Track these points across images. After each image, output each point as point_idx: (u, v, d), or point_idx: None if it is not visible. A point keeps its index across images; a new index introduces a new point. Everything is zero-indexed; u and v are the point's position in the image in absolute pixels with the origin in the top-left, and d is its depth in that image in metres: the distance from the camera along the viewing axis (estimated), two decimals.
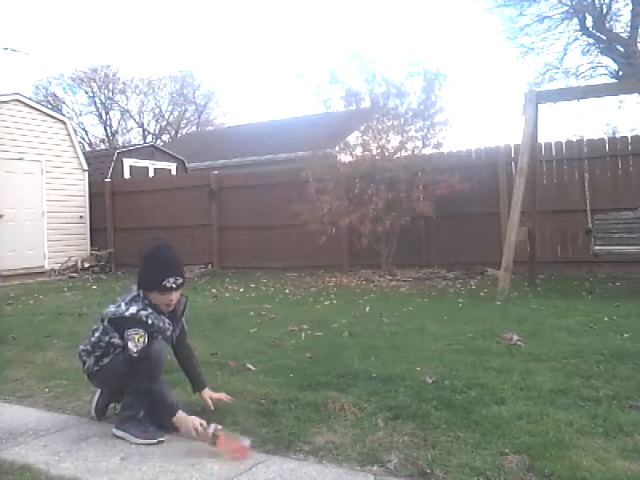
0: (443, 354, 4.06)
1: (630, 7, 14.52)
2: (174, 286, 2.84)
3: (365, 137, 9.78)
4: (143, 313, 2.81)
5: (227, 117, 36.97)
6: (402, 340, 4.59)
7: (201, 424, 2.65)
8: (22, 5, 48.19)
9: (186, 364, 3.14)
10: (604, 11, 14.96)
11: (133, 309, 2.84)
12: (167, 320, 2.91)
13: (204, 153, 17.42)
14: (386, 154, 9.35)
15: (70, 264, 12.00)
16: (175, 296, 2.88)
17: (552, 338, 4.43)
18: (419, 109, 9.46)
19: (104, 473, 2.46)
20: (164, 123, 36.92)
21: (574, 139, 9.12)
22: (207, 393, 3.08)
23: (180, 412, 2.73)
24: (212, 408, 2.99)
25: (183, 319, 3.10)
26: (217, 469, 2.46)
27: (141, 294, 2.90)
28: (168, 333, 2.93)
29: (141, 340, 2.77)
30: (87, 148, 29.56)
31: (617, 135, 12.78)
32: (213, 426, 2.64)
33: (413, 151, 9.50)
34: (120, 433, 2.81)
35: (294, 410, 3.05)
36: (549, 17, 15.35)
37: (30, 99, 12.75)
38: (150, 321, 2.81)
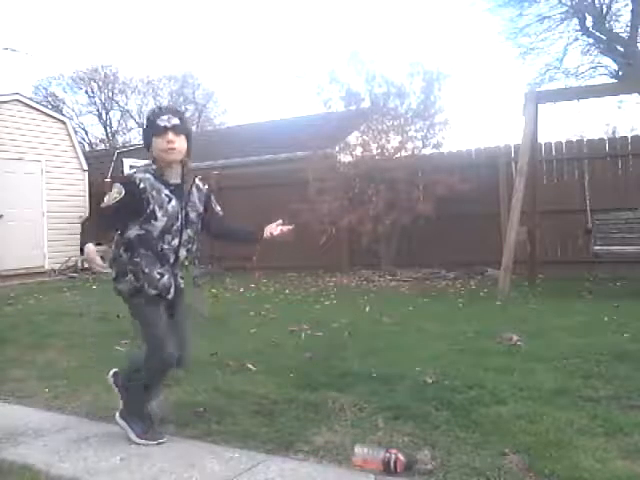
0: (443, 354, 4.06)
1: (630, 7, 14.52)
2: (168, 125, 2.63)
3: (365, 137, 9.78)
4: (137, 175, 2.65)
5: (227, 117, 36.95)
6: (402, 340, 4.59)
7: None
8: (22, 5, 48.20)
9: (231, 232, 3.11)
10: (604, 11, 14.95)
11: (133, 171, 2.76)
12: (168, 192, 2.66)
13: (204, 153, 17.39)
14: (386, 154, 9.35)
15: (70, 264, 11.99)
16: (173, 139, 2.63)
17: (552, 338, 4.43)
18: (419, 109, 9.47)
19: (104, 473, 2.46)
20: None
21: (574, 139, 9.13)
22: (268, 229, 3.09)
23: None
24: (275, 232, 3.11)
25: (216, 207, 2.94)
26: (217, 469, 2.46)
27: (151, 162, 2.74)
28: (170, 208, 2.65)
29: (113, 196, 2.60)
30: (87, 148, 29.54)
31: (617, 135, 12.77)
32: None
33: (413, 151, 9.50)
34: (122, 423, 2.81)
35: (294, 410, 3.05)
36: (549, 17, 15.34)
37: (30, 99, 12.75)
38: (142, 185, 2.60)
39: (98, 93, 34.15)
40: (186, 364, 2.93)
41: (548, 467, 2.29)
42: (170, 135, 2.63)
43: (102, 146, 31.87)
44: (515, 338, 4.33)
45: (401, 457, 2.35)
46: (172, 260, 2.71)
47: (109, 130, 35.52)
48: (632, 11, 14.41)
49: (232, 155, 14.82)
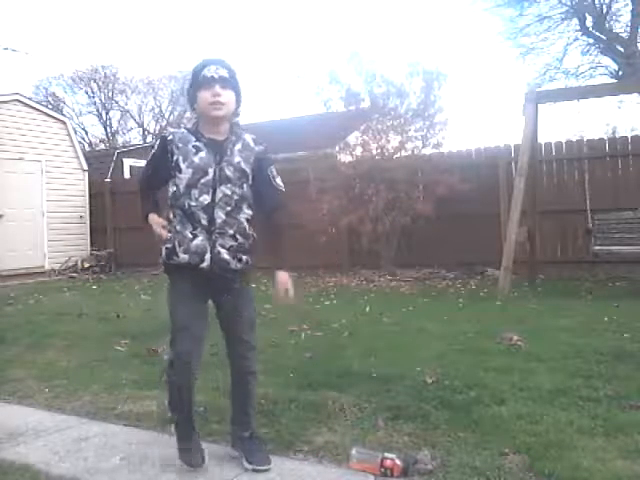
0: (443, 354, 4.06)
1: (630, 7, 14.52)
2: (215, 76, 2.37)
3: (365, 137, 9.78)
4: (170, 129, 2.52)
5: None
6: (402, 340, 4.58)
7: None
8: (22, 5, 48.20)
9: (267, 238, 2.59)
10: (604, 11, 14.95)
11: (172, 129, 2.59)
12: (199, 144, 2.40)
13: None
14: (386, 154, 9.35)
15: (70, 264, 11.99)
16: (220, 92, 2.36)
17: (552, 338, 4.43)
18: (419, 109, 9.46)
19: (104, 473, 2.46)
20: (164, 123, 36.87)
21: (574, 139, 9.13)
22: (280, 275, 2.55)
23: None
24: (280, 294, 2.55)
25: (275, 178, 2.51)
26: (217, 469, 2.46)
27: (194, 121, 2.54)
28: (196, 159, 2.37)
29: (151, 152, 2.51)
30: (87, 148, 29.53)
31: (617, 135, 12.77)
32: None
33: (413, 151, 9.50)
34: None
35: (294, 410, 3.05)
36: (549, 17, 15.34)
37: (30, 99, 12.75)
38: (170, 137, 2.43)
39: (98, 93, 34.13)
40: (245, 376, 2.57)
41: (548, 467, 2.29)
42: (217, 87, 2.37)
43: (102, 146, 31.86)
44: (515, 338, 4.33)
45: (398, 462, 2.35)
46: (205, 222, 2.36)
47: (109, 130, 35.50)
48: (632, 11, 14.41)
49: None
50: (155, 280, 9.21)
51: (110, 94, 34.52)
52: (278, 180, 2.53)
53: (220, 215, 2.38)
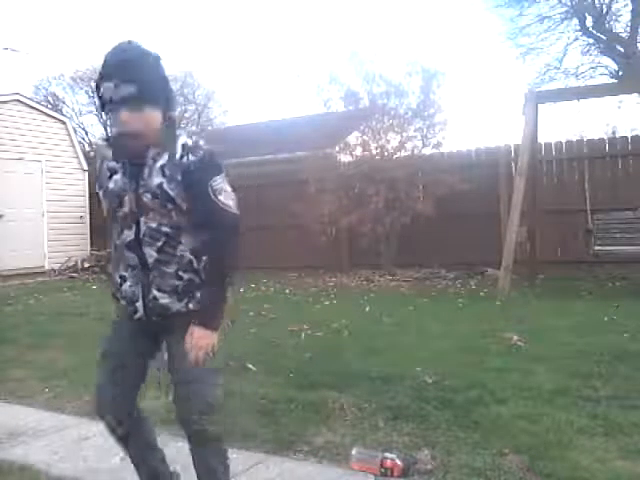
0: (443, 354, 4.06)
1: (630, 7, 14.50)
2: (115, 98, 1.70)
3: (365, 137, 9.78)
4: (99, 140, 1.94)
5: (228, 117, 36.92)
6: (402, 340, 4.59)
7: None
8: (22, 5, 48.20)
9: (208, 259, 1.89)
10: (604, 11, 14.92)
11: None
12: (114, 164, 1.84)
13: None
14: (386, 154, 9.36)
15: (70, 264, 11.99)
16: (129, 120, 1.71)
17: (552, 338, 4.43)
18: (418, 109, 9.46)
19: (104, 473, 2.46)
20: None
21: (574, 139, 9.12)
22: (192, 333, 1.84)
23: None
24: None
25: (217, 194, 1.81)
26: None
27: None
28: (110, 185, 1.84)
29: None
30: (87, 148, 29.54)
31: (617, 135, 12.74)
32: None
33: (413, 151, 9.50)
34: None
35: (294, 410, 3.05)
36: (549, 17, 15.31)
37: (30, 99, 12.74)
38: (93, 153, 1.95)
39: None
40: (196, 429, 1.87)
41: (548, 467, 2.29)
42: (122, 114, 1.71)
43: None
44: (515, 338, 4.33)
45: (398, 462, 2.35)
46: (135, 262, 1.84)
47: (109, 130, 35.49)
48: (632, 11, 14.39)
49: (232, 155, 14.79)
50: None
51: None
52: (223, 197, 1.83)
53: (151, 253, 1.82)
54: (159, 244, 1.82)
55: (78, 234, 12.50)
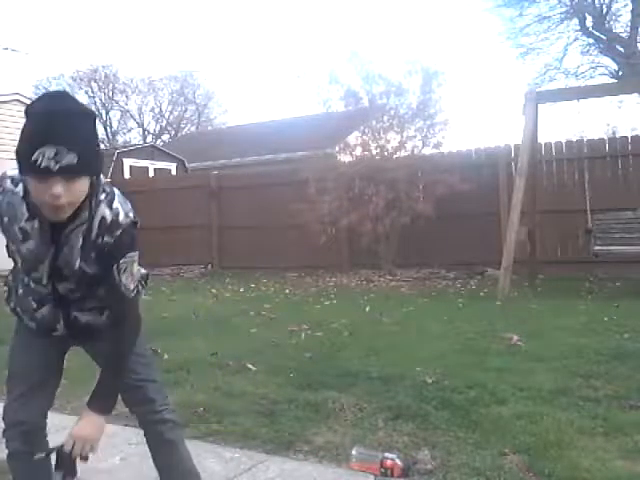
0: (443, 354, 4.06)
1: (630, 7, 14.53)
2: (52, 166, 1.41)
3: (365, 137, 9.79)
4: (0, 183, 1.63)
5: (227, 117, 36.98)
6: (402, 340, 4.59)
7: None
8: (22, 5, 48.18)
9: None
10: (604, 11, 14.95)
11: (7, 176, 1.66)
12: (28, 227, 1.59)
13: (204, 153, 17.41)
14: (386, 154, 9.36)
15: None
16: (64, 190, 1.45)
17: (552, 338, 4.43)
18: (418, 108, 9.47)
19: (104, 473, 2.46)
20: (164, 123, 36.94)
21: (574, 139, 9.12)
22: (77, 427, 1.77)
23: None
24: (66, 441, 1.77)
25: (119, 272, 1.65)
26: (217, 469, 2.46)
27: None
28: (24, 250, 1.63)
29: None
30: None
31: (617, 135, 12.76)
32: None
33: (413, 151, 9.51)
34: None
35: (294, 410, 3.05)
36: (549, 17, 15.36)
37: (30, 99, 12.75)
38: None
39: (98, 93, 34.19)
40: (152, 426, 1.92)
41: (548, 467, 2.29)
42: (57, 187, 1.44)
43: (102, 146, 31.83)
44: (515, 338, 4.33)
45: (398, 462, 2.35)
46: (52, 297, 1.74)
47: (109, 130, 35.54)
48: (632, 11, 14.42)
49: (232, 155, 14.84)
50: (155, 279, 9.20)
51: (110, 94, 34.59)
52: (125, 278, 1.67)
53: (69, 297, 1.74)
54: (77, 295, 1.74)
55: None
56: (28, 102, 11.96)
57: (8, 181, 1.62)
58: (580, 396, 3.06)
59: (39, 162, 1.41)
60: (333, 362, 3.92)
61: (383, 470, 2.34)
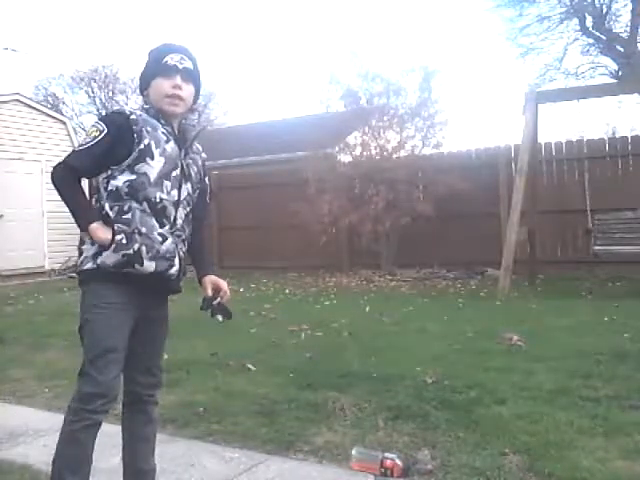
0: (443, 354, 4.06)
1: (630, 7, 14.51)
2: (179, 66, 2.02)
3: (365, 137, 9.79)
4: (126, 108, 2.08)
5: (228, 117, 36.96)
6: (402, 340, 4.59)
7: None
8: (22, 5, 48.19)
9: (194, 245, 2.19)
10: (604, 11, 14.93)
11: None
12: (166, 131, 2.03)
13: (204, 153, 17.37)
14: (385, 154, 9.36)
15: (70, 264, 11.97)
16: (182, 85, 2.02)
17: (552, 338, 4.43)
18: (418, 108, 9.47)
19: (104, 473, 2.45)
20: None
21: (574, 139, 9.12)
22: (209, 279, 2.22)
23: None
24: (209, 294, 2.23)
25: (208, 187, 2.25)
26: (217, 469, 2.46)
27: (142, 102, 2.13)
28: (168, 148, 2.01)
29: (92, 135, 1.97)
30: None
31: (617, 135, 12.75)
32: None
33: (413, 151, 9.51)
34: None
35: (294, 410, 3.05)
36: (549, 17, 15.32)
37: (30, 99, 12.75)
38: (133, 116, 1.98)
39: (98, 93, 34.14)
40: (143, 405, 2.15)
41: (548, 467, 2.29)
42: (178, 79, 2.02)
43: None
44: (515, 338, 4.32)
45: (398, 462, 2.35)
46: (172, 219, 2.02)
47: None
48: (632, 11, 14.39)
49: (232, 155, 14.82)
50: None
51: (110, 94, 34.54)
52: (209, 191, 2.29)
53: (181, 214, 2.06)
54: (188, 209, 2.09)
55: (78, 234, 12.48)
56: (28, 102, 11.98)
57: (127, 109, 2.05)
58: (580, 396, 3.06)
59: (168, 62, 2.02)
60: (333, 362, 3.92)
61: (383, 470, 2.34)
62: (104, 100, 34.55)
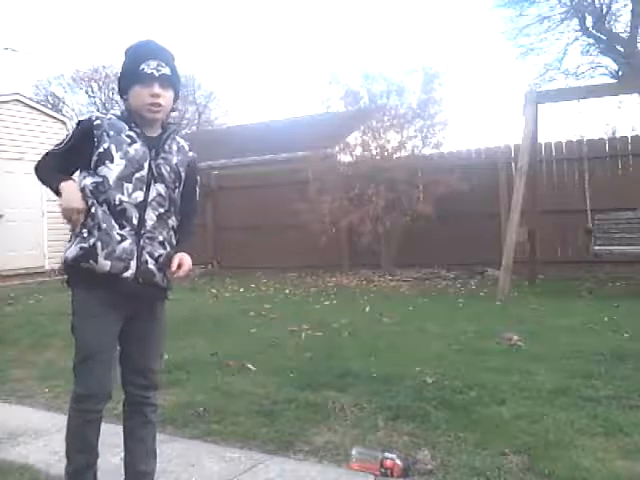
0: (443, 354, 4.06)
1: (630, 7, 14.51)
2: (156, 73, 2.01)
3: (365, 137, 9.79)
4: (95, 114, 2.10)
5: (227, 117, 36.95)
6: (402, 340, 4.58)
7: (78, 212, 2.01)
8: (22, 5, 48.21)
9: (180, 238, 2.20)
10: (604, 11, 14.94)
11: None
12: (133, 134, 2.04)
13: (204, 153, 17.37)
14: (386, 154, 9.36)
15: None
16: (161, 93, 2.03)
17: (552, 338, 4.43)
18: (419, 108, 9.47)
19: (104, 473, 2.45)
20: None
21: (574, 139, 9.12)
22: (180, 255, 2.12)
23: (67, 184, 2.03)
24: (172, 269, 2.08)
25: (198, 185, 2.28)
26: (217, 469, 2.46)
27: (121, 107, 2.17)
28: (131, 151, 2.02)
29: (62, 139, 2.10)
30: None
31: (617, 135, 12.75)
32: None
33: (413, 151, 9.51)
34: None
35: (294, 410, 3.05)
36: (549, 17, 15.33)
37: (30, 99, 12.74)
38: (97, 122, 2.02)
39: (98, 93, 34.13)
40: (142, 407, 2.19)
41: (548, 467, 2.29)
42: (156, 87, 2.01)
43: None
44: (515, 338, 4.33)
45: (398, 462, 2.35)
46: (135, 221, 2.02)
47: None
48: (632, 11, 14.40)
49: (232, 155, 14.81)
50: None
51: (110, 94, 34.50)
52: (197, 193, 2.31)
53: (152, 216, 2.05)
54: (161, 210, 2.08)
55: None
56: (28, 102, 11.97)
57: (96, 114, 2.09)
58: (580, 396, 3.06)
59: (145, 70, 2.00)
60: (333, 362, 3.92)
61: (383, 470, 2.34)
62: (104, 100, 34.53)
